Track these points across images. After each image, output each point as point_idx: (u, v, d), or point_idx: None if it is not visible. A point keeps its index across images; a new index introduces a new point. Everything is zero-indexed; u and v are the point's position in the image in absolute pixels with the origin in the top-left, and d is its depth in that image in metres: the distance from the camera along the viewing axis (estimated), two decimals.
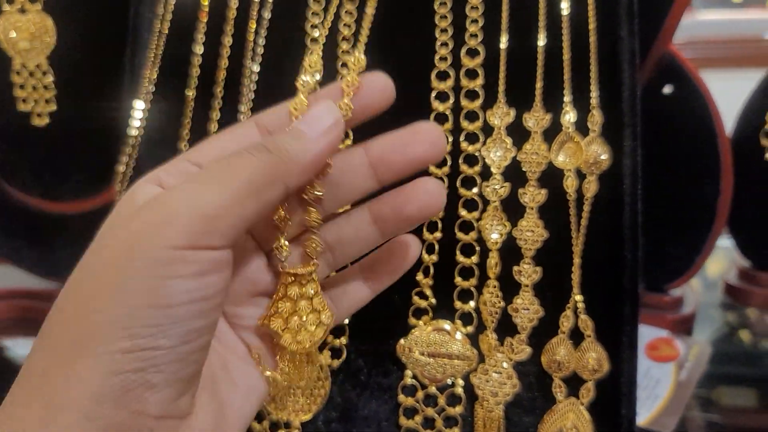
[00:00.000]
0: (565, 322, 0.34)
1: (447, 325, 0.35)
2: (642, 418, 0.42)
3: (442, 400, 0.35)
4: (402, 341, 0.35)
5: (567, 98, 0.36)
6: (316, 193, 0.27)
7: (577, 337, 0.35)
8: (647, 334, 0.53)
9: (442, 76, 0.37)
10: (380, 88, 0.28)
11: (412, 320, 0.35)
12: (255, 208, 0.25)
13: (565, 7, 0.37)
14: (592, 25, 0.37)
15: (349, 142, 0.33)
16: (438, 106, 0.37)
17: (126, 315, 0.22)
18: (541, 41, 0.37)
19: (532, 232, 0.35)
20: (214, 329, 0.25)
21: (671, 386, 0.46)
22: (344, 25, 0.38)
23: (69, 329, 0.23)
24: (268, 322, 0.29)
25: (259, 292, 0.30)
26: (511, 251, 0.35)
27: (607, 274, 0.35)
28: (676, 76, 0.51)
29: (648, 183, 0.52)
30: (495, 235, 0.35)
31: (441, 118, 0.37)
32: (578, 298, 0.35)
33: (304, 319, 0.29)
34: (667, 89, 0.51)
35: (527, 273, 0.35)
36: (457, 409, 0.34)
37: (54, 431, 0.21)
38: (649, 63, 0.50)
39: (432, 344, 0.35)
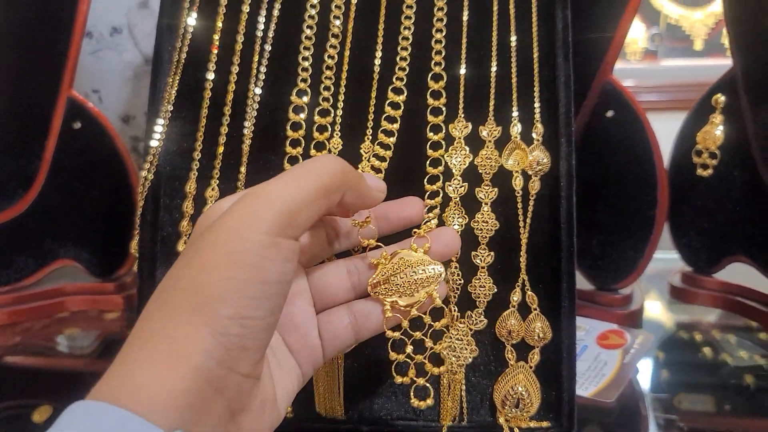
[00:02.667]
0: (515, 298, 0.39)
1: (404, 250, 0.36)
2: (589, 391, 0.47)
3: (428, 343, 0.37)
4: (372, 280, 0.34)
5: (515, 114, 0.41)
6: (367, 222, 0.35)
7: (524, 310, 0.39)
8: (599, 327, 0.58)
9: None
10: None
11: None
12: (324, 207, 0.29)
13: (513, 40, 0.43)
14: (535, 54, 0.43)
15: None
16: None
17: (233, 289, 0.25)
18: (494, 68, 0.43)
19: (486, 223, 0.40)
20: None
21: (616, 367, 0.51)
22: (329, 56, 0.44)
23: (185, 296, 0.25)
24: None
25: (298, 292, 0.33)
26: (469, 239, 0.40)
27: (549, 257, 0.40)
28: (617, 102, 0.56)
29: (595, 194, 0.58)
30: (456, 226, 0.40)
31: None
32: (525, 277, 0.40)
33: None
34: (610, 113, 0.57)
35: (483, 257, 0.40)
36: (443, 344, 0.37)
37: (171, 378, 0.23)
38: (594, 91, 0.56)
39: (400, 269, 0.35)
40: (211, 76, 0.45)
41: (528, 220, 0.40)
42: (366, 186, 0.32)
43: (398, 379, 0.36)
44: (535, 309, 0.39)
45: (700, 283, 0.64)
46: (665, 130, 0.64)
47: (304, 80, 0.44)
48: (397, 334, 0.35)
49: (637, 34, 1.99)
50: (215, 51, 0.45)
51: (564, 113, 0.41)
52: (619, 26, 0.54)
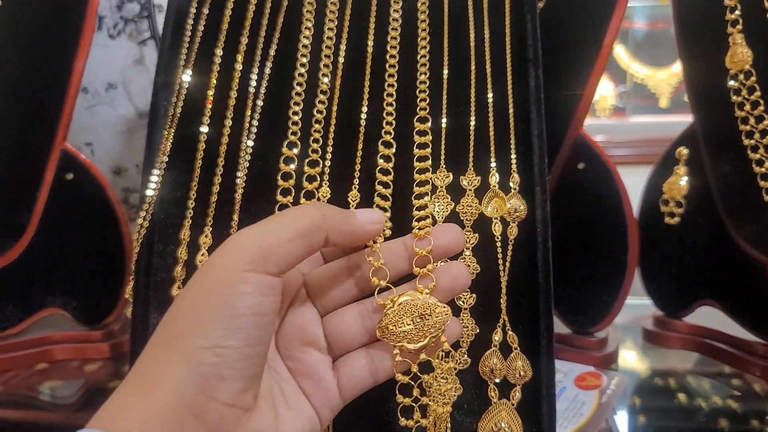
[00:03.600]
0: (496, 338, 0.41)
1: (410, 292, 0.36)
2: (568, 430, 0.49)
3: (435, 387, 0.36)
4: (379, 324, 0.35)
5: (493, 164, 0.44)
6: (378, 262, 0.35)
7: (505, 349, 0.41)
8: (577, 369, 0.59)
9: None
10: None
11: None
12: (302, 247, 0.30)
13: (490, 96, 0.46)
14: (510, 110, 0.45)
15: None
16: None
17: (204, 320, 0.27)
18: (473, 121, 0.45)
19: (468, 267, 0.41)
20: (270, 341, 0.30)
21: (594, 407, 0.52)
22: (317, 111, 0.46)
23: (168, 331, 0.28)
24: None
25: (309, 341, 0.35)
26: None
27: (527, 299, 0.42)
28: (587, 155, 0.60)
29: (570, 242, 0.60)
30: None
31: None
32: (506, 318, 0.41)
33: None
34: (581, 165, 0.60)
35: (465, 299, 0.41)
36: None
37: (150, 403, 0.26)
38: (566, 145, 0.59)
39: (406, 313, 0.35)
40: (205, 129, 0.47)
41: (507, 264, 0.42)
42: (354, 223, 0.33)
43: (403, 422, 0.36)
44: (516, 348, 0.41)
45: (672, 326, 0.66)
46: (634, 183, 0.67)
47: (294, 133, 0.46)
48: (405, 378, 0.35)
49: (606, 91, 2.06)
50: (209, 106, 0.47)
51: (538, 164, 0.44)
52: (588, 85, 0.58)
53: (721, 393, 0.59)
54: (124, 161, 0.82)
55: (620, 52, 2.06)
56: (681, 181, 0.62)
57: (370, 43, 0.48)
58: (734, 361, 0.60)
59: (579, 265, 0.61)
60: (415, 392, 0.36)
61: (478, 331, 0.41)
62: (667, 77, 2.01)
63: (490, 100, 0.46)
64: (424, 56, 0.47)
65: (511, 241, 0.42)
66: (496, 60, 0.47)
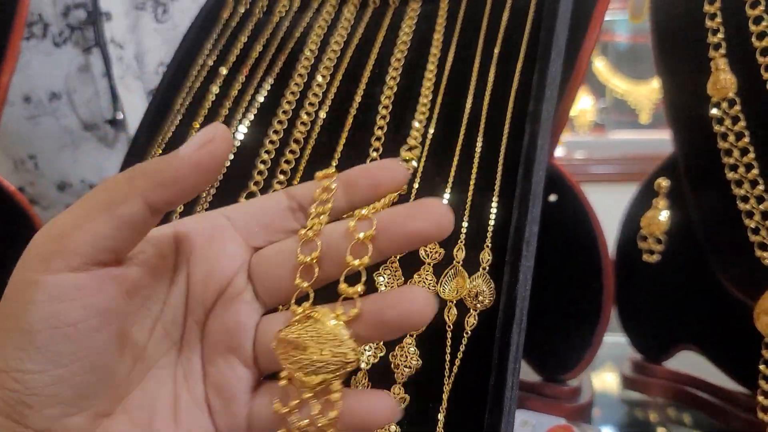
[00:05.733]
0: None
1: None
2: None
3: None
4: (277, 334, 0.26)
5: (463, 233, 0.37)
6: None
7: None
8: (546, 422, 0.55)
9: None
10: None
11: None
12: (109, 224, 0.24)
13: (479, 148, 0.41)
14: (499, 168, 0.40)
15: None
16: None
17: (1, 337, 0.23)
18: (451, 179, 0.40)
19: (405, 358, 0.35)
20: (105, 353, 0.24)
21: None
22: (285, 161, 0.45)
23: None
24: None
25: (233, 349, 0.27)
26: (382, 376, 0.34)
27: (473, 412, 0.34)
28: (559, 187, 0.56)
29: (539, 280, 0.55)
30: (363, 363, 0.35)
31: None
32: (441, 431, 0.33)
33: None
34: (552, 198, 0.56)
35: (396, 394, 0.34)
36: None
37: None
38: None
39: (306, 336, 0.25)
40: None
41: (457, 363, 0.35)
42: (173, 164, 0.25)
43: None
44: None
45: (651, 371, 0.62)
46: (615, 203, 0.65)
47: (256, 183, 0.45)
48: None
49: (585, 106, 2.04)
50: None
51: (514, 235, 0.36)
52: (562, 103, 0.53)
53: None
54: (69, 176, 0.78)
55: (600, 66, 2.04)
56: (661, 215, 0.58)
57: (360, 93, 0.47)
58: (715, 412, 0.56)
59: (549, 305, 0.58)
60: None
61: None
62: (648, 92, 2.00)
63: (477, 154, 0.40)
64: (425, 105, 0.44)
65: (467, 332, 0.35)
66: (496, 112, 0.42)
